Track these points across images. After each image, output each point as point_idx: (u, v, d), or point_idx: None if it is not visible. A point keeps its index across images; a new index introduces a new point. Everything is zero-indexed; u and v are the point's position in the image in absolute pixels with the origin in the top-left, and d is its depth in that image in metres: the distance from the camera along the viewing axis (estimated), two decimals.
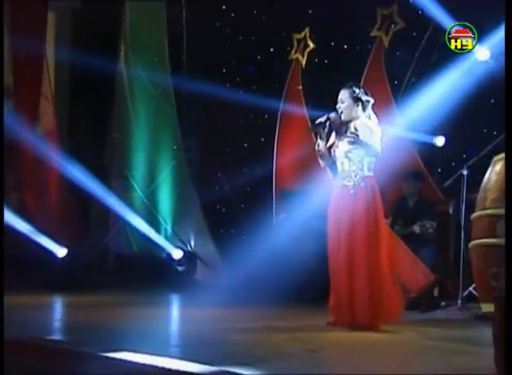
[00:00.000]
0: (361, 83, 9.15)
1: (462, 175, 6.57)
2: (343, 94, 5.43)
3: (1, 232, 7.26)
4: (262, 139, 10.32)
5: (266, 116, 10.26)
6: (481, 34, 7.81)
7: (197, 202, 9.00)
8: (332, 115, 5.40)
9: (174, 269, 8.65)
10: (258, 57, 10.39)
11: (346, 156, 5.34)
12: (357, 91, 5.40)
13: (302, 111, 9.69)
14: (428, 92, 8.37)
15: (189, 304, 7.55)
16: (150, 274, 8.63)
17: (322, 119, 5.41)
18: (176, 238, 8.95)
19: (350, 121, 5.42)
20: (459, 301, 6.39)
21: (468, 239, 6.64)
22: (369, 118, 5.41)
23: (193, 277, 8.66)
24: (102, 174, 9.64)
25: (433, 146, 7.99)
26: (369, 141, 5.23)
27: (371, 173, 5.35)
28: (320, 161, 5.58)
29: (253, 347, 4.60)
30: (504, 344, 4.01)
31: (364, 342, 4.85)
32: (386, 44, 8.96)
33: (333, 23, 9.34)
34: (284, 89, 10.00)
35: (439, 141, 8.06)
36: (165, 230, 9.13)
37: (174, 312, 7.45)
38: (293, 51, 10.01)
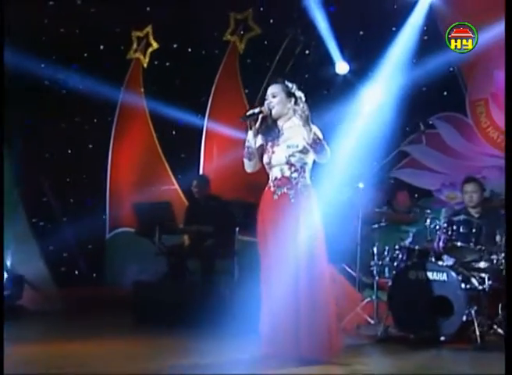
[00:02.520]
0: (213, 91, 8.66)
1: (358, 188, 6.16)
2: (274, 89, 4.73)
3: (0, 241, 5.61)
4: (90, 145, 9.23)
5: (96, 120, 9.19)
6: (343, 50, 7.69)
7: (23, 213, 7.64)
8: (265, 108, 4.67)
9: None
10: (85, 54, 9.29)
11: (288, 162, 4.62)
12: (290, 85, 4.73)
13: (144, 116, 8.81)
14: None
15: (16, 337, 6.00)
16: None
17: (256, 110, 4.64)
18: None
19: (279, 119, 4.73)
20: (355, 325, 5.94)
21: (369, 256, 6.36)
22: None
23: (19, 304, 7.27)
24: None
25: None
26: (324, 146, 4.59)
27: (309, 182, 4.71)
28: (246, 162, 4.74)
29: None
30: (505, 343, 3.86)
31: None
32: (241, 51, 8.45)
33: (178, 23, 8.59)
34: (121, 91, 9.03)
35: None
36: None
37: None
38: (133, 50, 9.11)
